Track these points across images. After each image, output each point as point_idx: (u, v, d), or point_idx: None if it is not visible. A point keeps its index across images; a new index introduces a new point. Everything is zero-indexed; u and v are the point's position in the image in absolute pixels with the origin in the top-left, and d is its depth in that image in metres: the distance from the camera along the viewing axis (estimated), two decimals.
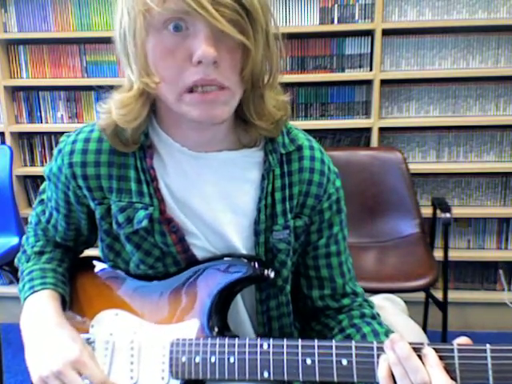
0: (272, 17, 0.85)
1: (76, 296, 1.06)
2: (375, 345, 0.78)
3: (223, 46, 0.79)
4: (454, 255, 2.37)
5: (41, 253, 1.08)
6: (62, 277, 1.05)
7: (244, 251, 0.97)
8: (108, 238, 0.99)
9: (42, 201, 1.08)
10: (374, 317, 1.01)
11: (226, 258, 0.95)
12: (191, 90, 0.81)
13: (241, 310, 1.01)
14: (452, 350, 0.73)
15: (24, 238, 1.13)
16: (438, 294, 2.29)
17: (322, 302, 1.03)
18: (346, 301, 1.03)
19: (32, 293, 1.00)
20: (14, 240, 2.21)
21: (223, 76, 0.81)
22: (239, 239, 0.97)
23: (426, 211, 2.34)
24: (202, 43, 0.77)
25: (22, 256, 1.10)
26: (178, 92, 0.82)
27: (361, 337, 0.95)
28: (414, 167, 2.36)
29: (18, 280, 2.37)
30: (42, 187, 1.09)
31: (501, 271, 2.56)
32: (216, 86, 0.81)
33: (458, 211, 2.43)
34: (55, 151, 0.99)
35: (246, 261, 0.94)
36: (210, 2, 0.74)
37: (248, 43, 0.80)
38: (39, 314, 0.96)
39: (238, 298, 0.99)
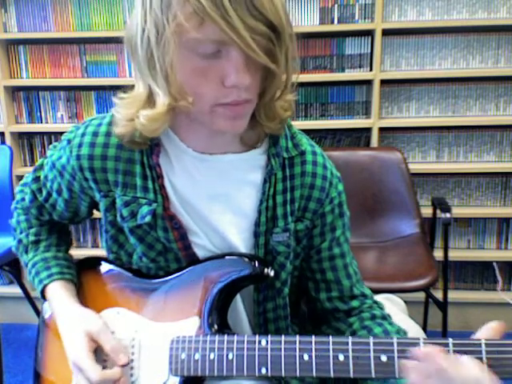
0: (292, 30, 0.83)
1: (78, 295, 1.06)
2: (371, 340, 0.78)
3: (252, 67, 0.80)
4: (453, 255, 2.37)
5: (37, 242, 1.09)
6: (65, 261, 1.08)
7: (244, 252, 0.98)
8: (112, 229, 1.00)
9: (37, 178, 1.07)
10: (385, 317, 1.00)
11: (226, 257, 0.96)
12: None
13: (240, 310, 1.02)
14: (447, 345, 0.74)
15: (14, 220, 1.12)
16: (438, 294, 2.29)
17: (330, 303, 1.03)
18: (354, 303, 1.02)
19: (43, 287, 1.03)
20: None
21: (251, 93, 0.82)
22: (239, 240, 0.97)
23: (426, 211, 2.34)
24: (235, 70, 0.78)
25: (20, 246, 1.11)
26: (210, 106, 0.82)
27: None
28: (414, 167, 2.36)
29: (17, 280, 2.37)
30: (38, 164, 1.08)
31: (497, 272, 2.56)
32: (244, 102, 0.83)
33: (457, 211, 2.43)
34: (63, 141, 1.00)
35: (246, 260, 0.94)
36: (247, 30, 0.73)
37: (277, 70, 0.80)
38: (57, 311, 1.01)
39: (238, 297, 1.00)
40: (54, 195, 1.04)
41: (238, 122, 0.85)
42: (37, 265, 1.06)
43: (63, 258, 1.09)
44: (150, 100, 0.85)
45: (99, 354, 0.94)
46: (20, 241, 1.10)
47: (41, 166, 1.07)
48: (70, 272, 1.06)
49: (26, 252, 1.09)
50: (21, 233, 1.11)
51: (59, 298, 1.02)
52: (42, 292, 1.04)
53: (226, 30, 0.73)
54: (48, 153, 1.06)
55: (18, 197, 1.12)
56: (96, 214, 1.07)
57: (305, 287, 1.06)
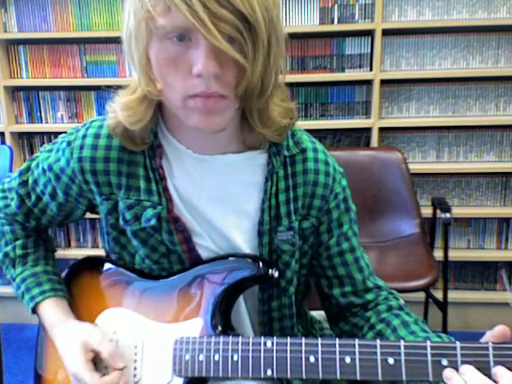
0: (279, 28, 0.81)
1: (80, 295, 1.06)
2: (378, 343, 0.78)
3: (224, 57, 0.77)
4: (453, 255, 2.38)
5: (25, 255, 1.07)
6: (55, 276, 1.07)
7: (248, 252, 0.97)
8: (114, 231, 1.00)
9: (24, 182, 1.03)
10: (402, 308, 0.99)
11: (230, 258, 0.96)
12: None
13: (242, 311, 1.01)
14: (455, 348, 0.74)
15: None
16: (438, 294, 2.29)
17: (345, 298, 1.02)
18: (369, 296, 1.02)
19: (35, 304, 1.02)
20: None
21: (224, 87, 0.80)
22: (243, 240, 0.97)
23: (426, 211, 2.34)
24: (201, 57, 0.76)
25: (5, 260, 1.08)
26: (181, 98, 0.81)
27: (391, 330, 0.94)
28: (414, 167, 2.36)
29: None
30: (23, 167, 1.04)
31: (503, 274, 2.56)
32: (217, 96, 0.80)
33: (457, 211, 2.43)
34: (62, 143, 0.98)
35: (250, 260, 0.94)
36: (209, 17, 0.72)
37: (244, 62, 0.77)
38: (53, 328, 1.00)
39: (240, 298, 0.99)
40: (46, 199, 1.02)
41: (213, 119, 0.82)
42: (26, 280, 1.04)
43: (53, 272, 1.07)
44: (136, 91, 0.88)
45: (100, 363, 0.94)
46: (6, 254, 1.07)
47: (27, 170, 1.03)
48: (61, 288, 1.05)
49: (14, 266, 1.07)
50: (6, 245, 1.07)
51: (55, 316, 1.01)
52: (33, 308, 1.03)
53: (187, 14, 0.73)
54: (40, 155, 1.02)
55: (0, 204, 1.07)
56: (96, 214, 1.07)
57: (318, 284, 1.05)
